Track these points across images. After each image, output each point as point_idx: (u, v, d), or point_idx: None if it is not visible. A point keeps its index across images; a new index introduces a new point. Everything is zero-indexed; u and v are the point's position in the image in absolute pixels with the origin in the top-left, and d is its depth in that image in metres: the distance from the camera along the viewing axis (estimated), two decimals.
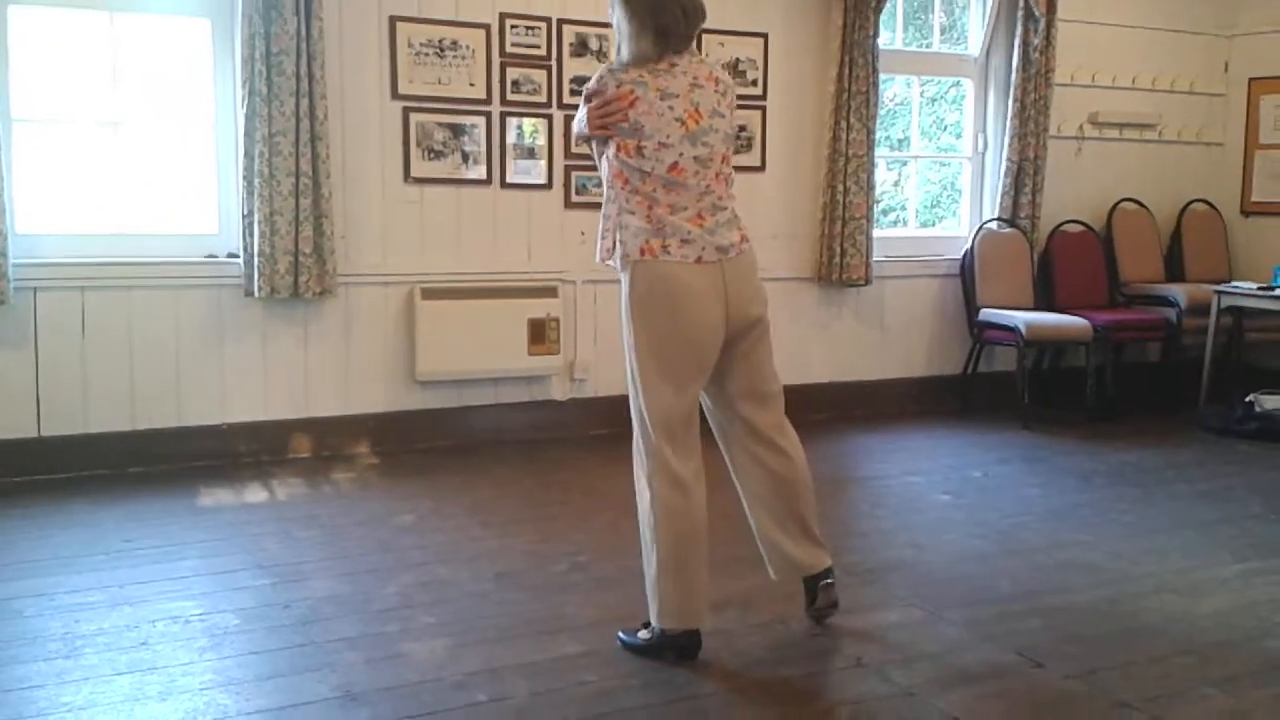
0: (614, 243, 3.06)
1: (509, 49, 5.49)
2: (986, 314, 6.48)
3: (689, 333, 3.01)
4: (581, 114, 3.11)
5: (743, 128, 5.98)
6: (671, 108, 2.98)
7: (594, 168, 5.78)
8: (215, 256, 5.15)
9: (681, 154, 3.00)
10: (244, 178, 4.97)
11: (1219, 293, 6.48)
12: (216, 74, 5.08)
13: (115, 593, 3.55)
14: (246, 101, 4.90)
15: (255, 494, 4.73)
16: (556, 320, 5.59)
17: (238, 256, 5.09)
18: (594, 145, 3.16)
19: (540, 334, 5.58)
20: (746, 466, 3.27)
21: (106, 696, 2.85)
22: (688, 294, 2.99)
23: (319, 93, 4.99)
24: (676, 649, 3.09)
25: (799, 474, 3.28)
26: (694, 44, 3.12)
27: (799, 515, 3.27)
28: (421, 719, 2.76)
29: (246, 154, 4.94)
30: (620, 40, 3.08)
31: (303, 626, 3.32)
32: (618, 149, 3.03)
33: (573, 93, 5.60)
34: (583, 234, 5.70)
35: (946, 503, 4.82)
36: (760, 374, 3.23)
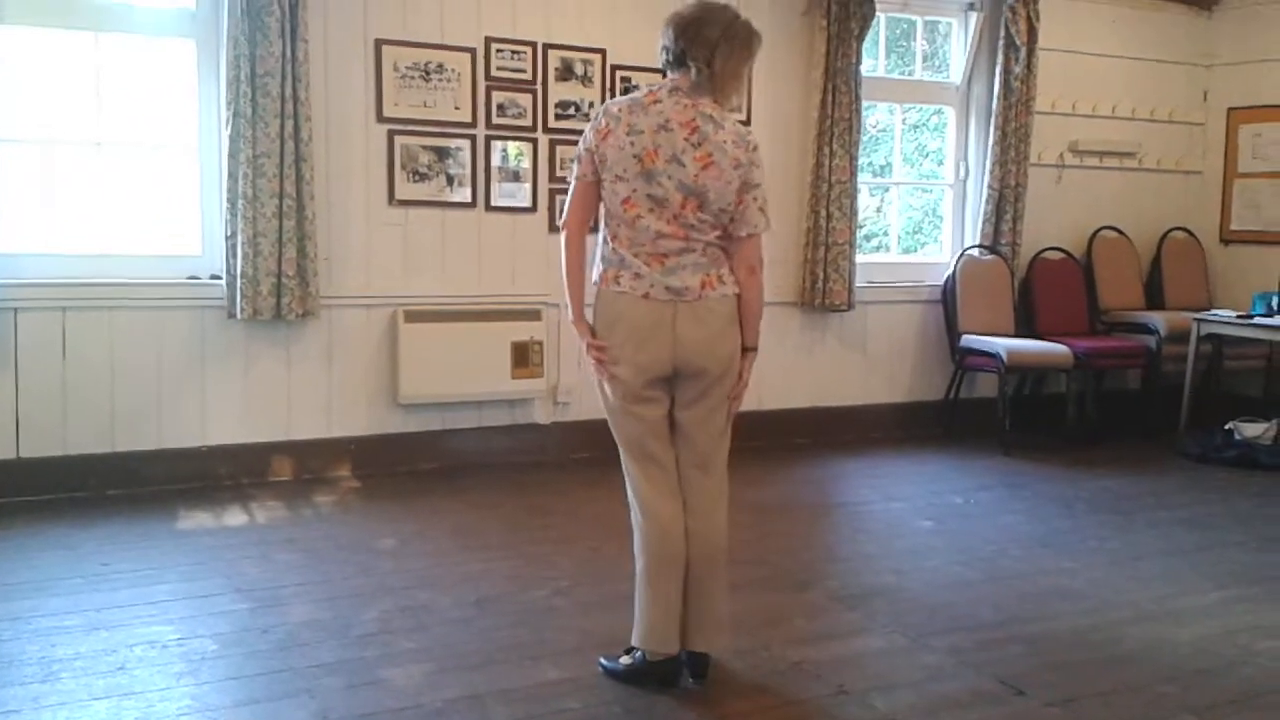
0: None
1: (494, 73, 5.51)
2: (968, 340, 6.51)
3: (635, 358, 3.00)
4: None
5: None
6: (633, 143, 2.94)
7: None
8: (198, 278, 5.13)
9: (634, 190, 2.95)
10: (227, 199, 4.96)
11: (1198, 320, 6.53)
12: (201, 95, 5.07)
13: (92, 616, 3.52)
14: (231, 123, 4.90)
15: (235, 517, 4.70)
16: (540, 344, 5.59)
17: (220, 278, 5.07)
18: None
19: (524, 357, 5.57)
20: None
21: None
22: (631, 324, 2.99)
23: (304, 114, 4.99)
24: (657, 675, 3.08)
25: (710, 539, 3.11)
26: (723, 88, 3.02)
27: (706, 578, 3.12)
28: None
29: (230, 175, 4.94)
30: None
31: (281, 652, 3.29)
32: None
33: (557, 116, 5.62)
34: None
35: (928, 529, 4.83)
36: (694, 435, 3.09)
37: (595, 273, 3.07)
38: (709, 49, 2.95)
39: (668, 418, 3.10)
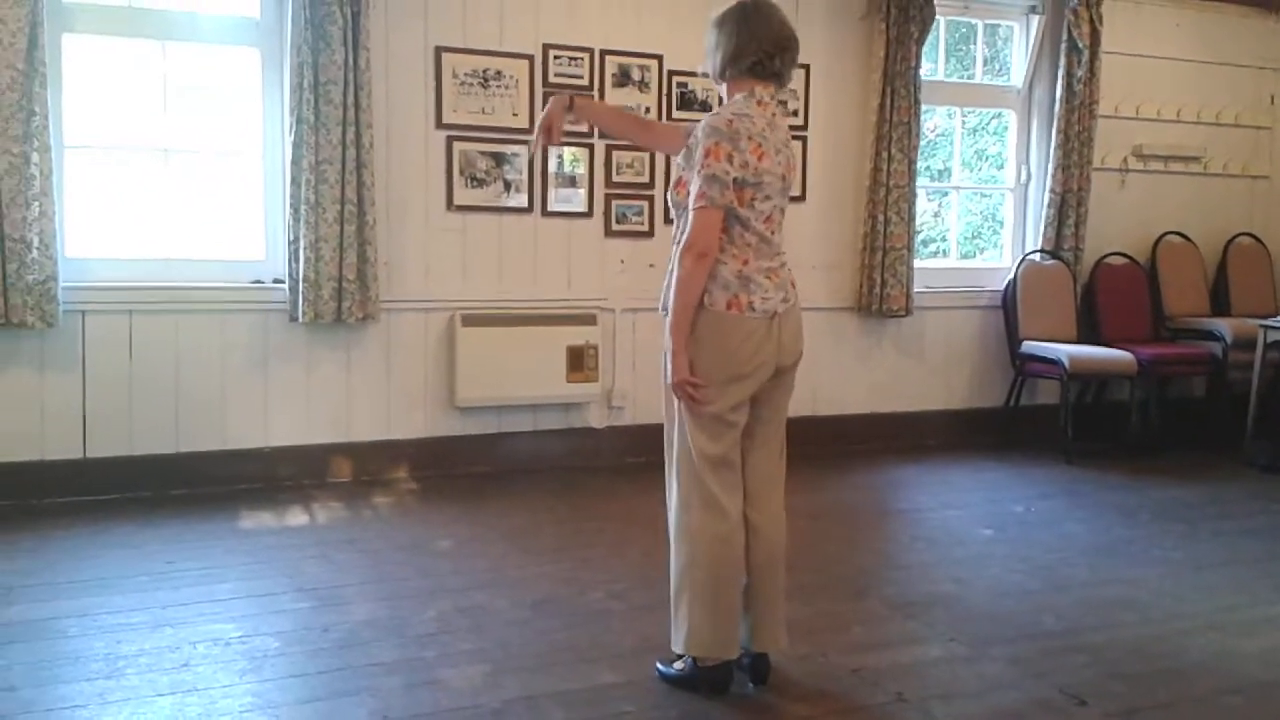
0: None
1: (552, 79, 5.54)
2: (1029, 346, 6.43)
3: (752, 370, 3.03)
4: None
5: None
6: (778, 162, 3.01)
7: (634, 196, 5.79)
8: (261, 282, 5.21)
9: (775, 206, 3.03)
10: (290, 205, 5.04)
11: (1265, 327, 6.39)
12: (265, 103, 5.16)
13: (157, 614, 3.58)
14: (294, 130, 4.97)
15: (296, 517, 4.76)
16: (595, 348, 5.61)
17: (283, 282, 5.15)
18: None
19: (579, 361, 5.59)
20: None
21: (147, 717, 2.87)
22: (756, 342, 3.00)
23: (365, 122, 5.06)
24: (709, 682, 3.07)
25: (778, 540, 3.15)
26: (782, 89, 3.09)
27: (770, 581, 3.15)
28: None
29: (293, 181, 5.01)
30: None
31: (341, 650, 3.33)
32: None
33: None
34: (622, 262, 5.73)
35: (988, 537, 4.77)
36: (774, 431, 3.18)
37: (708, 298, 2.95)
38: (793, 59, 3.03)
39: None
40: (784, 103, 3.07)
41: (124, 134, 5.12)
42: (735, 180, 2.90)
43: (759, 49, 2.96)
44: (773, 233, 3.01)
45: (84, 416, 4.90)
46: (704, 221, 2.89)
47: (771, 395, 3.11)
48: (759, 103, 2.98)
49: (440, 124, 5.38)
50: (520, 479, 5.46)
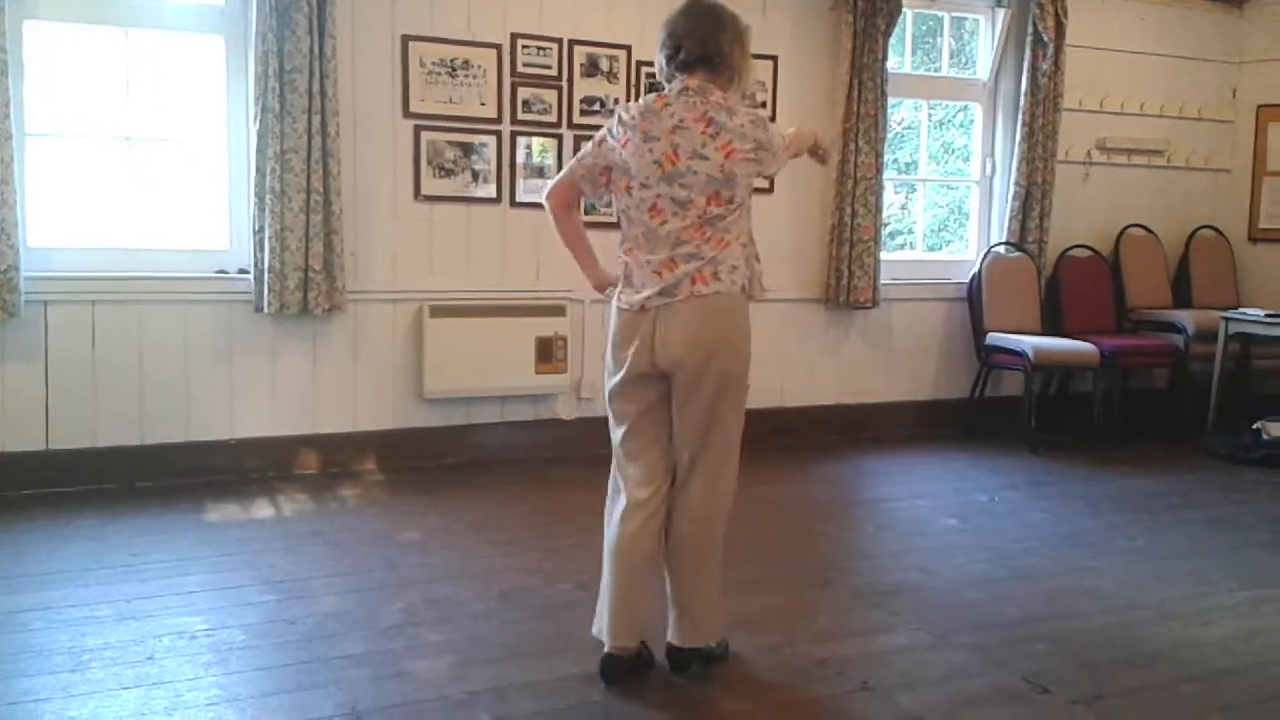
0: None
1: (520, 69, 5.52)
2: (994, 338, 6.48)
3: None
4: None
5: None
6: (651, 149, 2.99)
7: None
8: (225, 272, 5.17)
9: (659, 195, 2.99)
10: (255, 194, 5.00)
11: (1226, 319, 6.48)
12: (229, 91, 5.11)
13: (122, 607, 3.55)
14: (259, 118, 4.93)
15: (262, 510, 4.73)
16: (564, 339, 5.60)
17: (248, 272, 5.11)
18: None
19: (548, 353, 5.59)
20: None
21: (112, 711, 2.85)
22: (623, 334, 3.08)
23: (331, 110, 5.02)
24: (600, 669, 3.09)
25: (672, 535, 3.13)
26: (716, 74, 3.04)
27: (670, 573, 3.17)
28: None
29: (258, 170, 4.97)
30: None
31: (308, 643, 3.32)
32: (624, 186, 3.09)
33: (582, 112, 5.63)
34: None
35: (953, 527, 4.82)
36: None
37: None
38: (699, 42, 3.01)
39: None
40: (709, 91, 3.02)
41: (87, 122, 5.05)
42: (604, 166, 3.09)
43: (665, 46, 3.07)
44: (662, 223, 3.00)
45: (46, 408, 4.84)
46: (559, 175, 3.27)
47: (680, 406, 3.05)
48: (659, 96, 3.06)
49: (407, 113, 5.35)
50: (488, 470, 5.46)
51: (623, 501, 3.10)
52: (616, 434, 3.15)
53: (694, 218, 2.98)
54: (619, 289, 3.11)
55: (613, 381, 3.11)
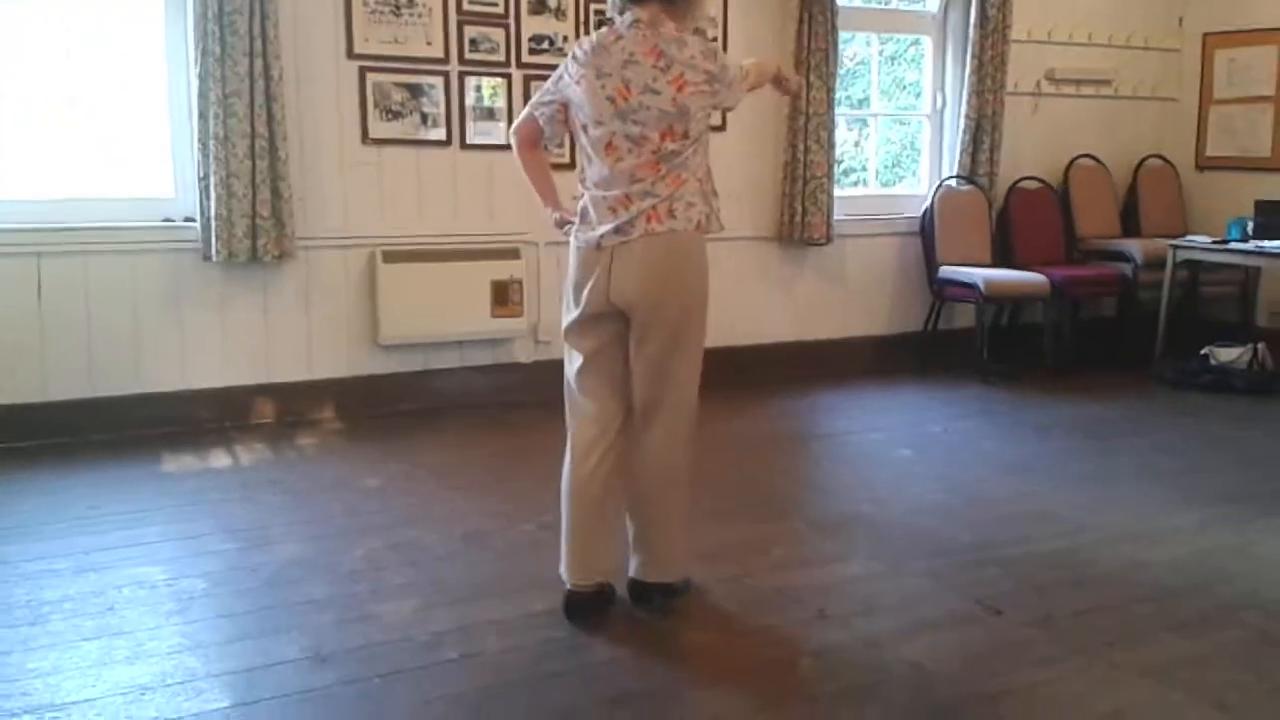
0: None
1: (466, 7, 5.43)
2: (946, 271, 6.53)
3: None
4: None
5: None
6: (603, 86, 2.97)
7: None
8: (172, 221, 5.09)
9: (614, 132, 2.98)
10: (199, 140, 4.91)
11: (1174, 247, 6.56)
12: (168, 34, 4.99)
13: (80, 559, 3.53)
14: (199, 62, 4.83)
15: (219, 459, 4.71)
16: (520, 282, 5.58)
17: (194, 220, 5.03)
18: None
19: (503, 296, 5.56)
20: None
21: (74, 662, 2.85)
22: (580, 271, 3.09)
23: (273, 53, 4.93)
24: (563, 607, 3.13)
25: (635, 471, 3.15)
26: (681, 10, 3.01)
27: (631, 510, 3.20)
28: (392, 677, 2.78)
29: (201, 116, 4.88)
30: None
31: (270, 589, 3.32)
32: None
33: (531, 51, 5.56)
34: None
35: (907, 458, 4.88)
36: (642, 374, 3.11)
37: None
38: None
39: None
40: (655, 26, 2.99)
41: (24, 70, 4.91)
42: (561, 103, 3.09)
43: None
44: (618, 160, 2.98)
45: None
46: (521, 114, 3.25)
47: (638, 345, 3.05)
48: (611, 30, 3.03)
49: (351, 54, 5.26)
50: (447, 416, 5.45)
51: (572, 437, 3.14)
52: (571, 369, 3.17)
53: (649, 154, 2.96)
54: (576, 226, 3.10)
55: (569, 318, 3.13)
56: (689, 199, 3.00)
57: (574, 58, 3.04)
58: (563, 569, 3.16)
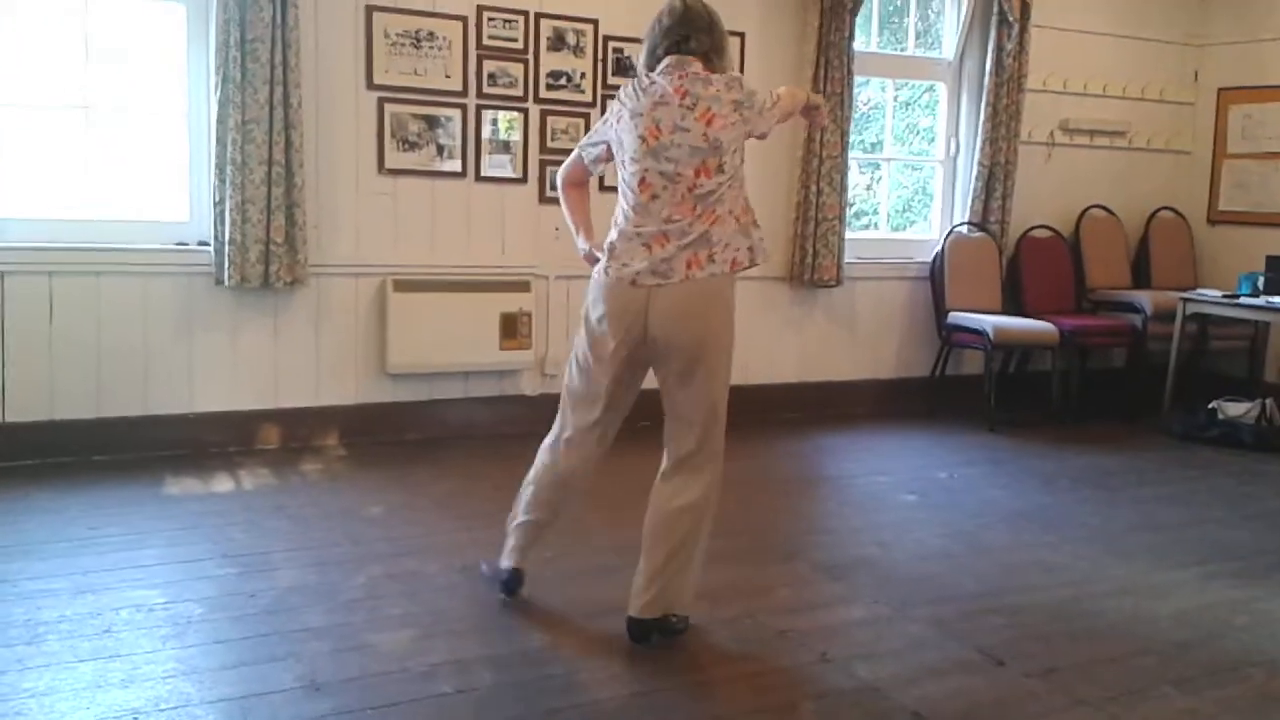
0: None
1: (486, 41, 5.48)
2: (955, 317, 6.53)
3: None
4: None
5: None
6: (636, 125, 3.12)
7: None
8: (185, 244, 5.11)
9: (646, 169, 3.10)
10: (216, 165, 4.94)
11: (1184, 300, 6.56)
12: (190, 59, 5.04)
13: (79, 580, 3.52)
14: (220, 88, 4.87)
15: (222, 484, 4.70)
16: (529, 315, 5.59)
17: (208, 244, 5.05)
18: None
19: (512, 328, 5.57)
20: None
21: (69, 683, 2.83)
22: (610, 308, 3.18)
23: (293, 81, 4.97)
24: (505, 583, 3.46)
25: (663, 517, 3.18)
26: (707, 55, 3.17)
27: (650, 551, 3.20)
28: (386, 709, 2.76)
29: (219, 141, 4.91)
30: None
31: (268, 616, 3.30)
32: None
33: (549, 86, 5.60)
34: (556, 229, 5.69)
35: (912, 503, 4.86)
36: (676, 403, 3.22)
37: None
38: (675, 34, 3.16)
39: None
40: (695, 73, 3.15)
41: (44, 90, 4.96)
42: (604, 143, 3.27)
43: (649, 44, 3.25)
44: (653, 197, 3.08)
45: (3, 381, 4.78)
46: (571, 155, 3.45)
47: (665, 380, 3.18)
48: (647, 74, 3.20)
49: (371, 85, 5.30)
50: (452, 446, 5.44)
51: (565, 434, 3.33)
52: (577, 382, 3.29)
53: (683, 192, 3.07)
54: (604, 261, 3.19)
55: (590, 343, 3.22)
56: (726, 239, 3.10)
57: (617, 99, 3.22)
58: (507, 552, 3.45)
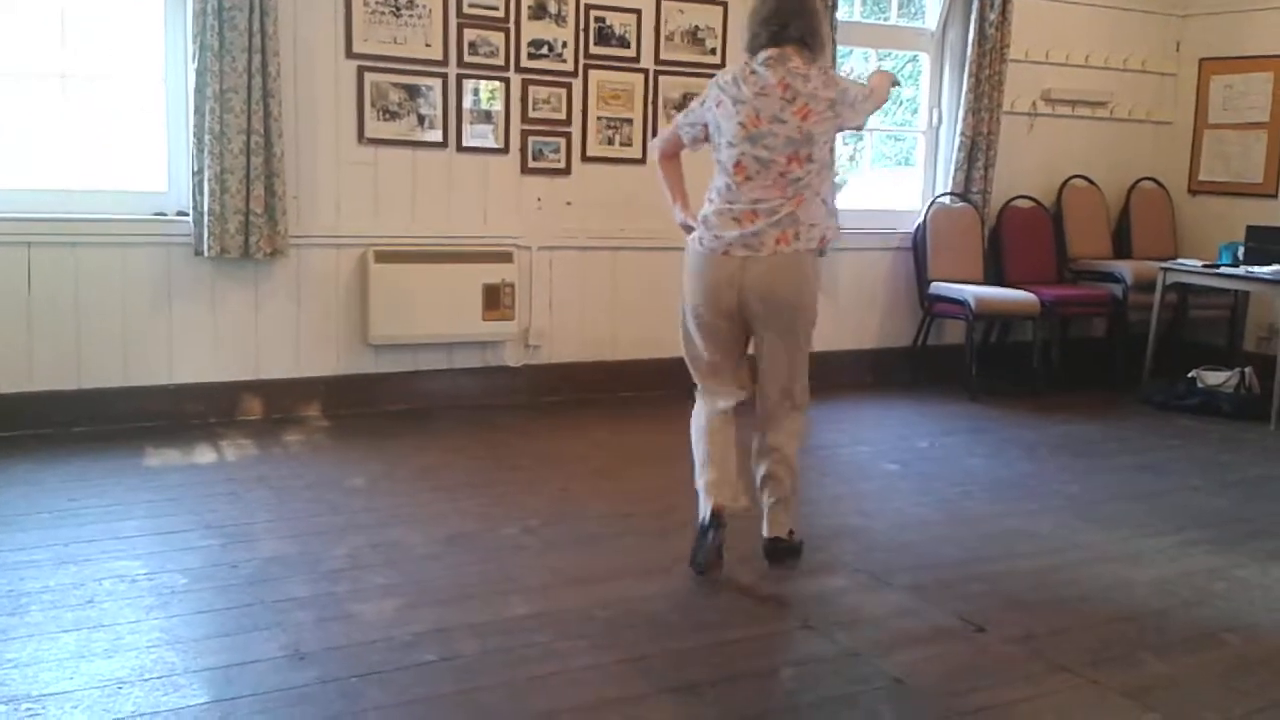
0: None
1: (466, 10, 5.43)
2: (937, 287, 6.54)
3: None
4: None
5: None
6: (738, 111, 3.38)
7: (551, 133, 5.81)
8: (164, 214, 5.07)
9: (743, 153, 3.37)
10: (194, 135, 4.90)
11: (1164, 270, 6.58)
12: (167, 28, 4.98)
13: (60, 551, 3.51)
14: (197, 57, 4.82)
15: (204, 455, 4.68)
16: (511, 286, 5.57)
17: (187, 215, 5.02)
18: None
19: (495, 299, 5.56)
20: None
21: (52, 653, 2.83)
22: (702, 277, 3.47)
23: (272, 49, 4.92)
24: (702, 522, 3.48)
25: (768, 459, 3.60)
26: (802, 46, 3.41)
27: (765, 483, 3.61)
28: (370, 678, 2.77)
29: (197, 110, 4.87)
30: None
31: (251, 586, 3.31)
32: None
33: (530, 56, 5.56)
34: (539, 199, 5.68)
35: (894, 472, 4.89)
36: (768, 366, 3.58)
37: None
38: (774, 23, 3.41)
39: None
40: (792, 62, 3.45)
41: (19, 59, 4.90)
42: (703, 124, 3.53)
43: (750, 30, 3.50)
44: (746, 178, 3.37)
45: None
46: (668, 128, 3.77)
47: (762, 338, 3.50)
48: (747, 64, 3.45)
49: (350, 53, 5.26)
50: (435, 417, 5.44)
51: (714, 406, 3.58)
52: (697, 349, 3.56)
53: (774, 176, 3.35)
54: (699, 231, 3.46)
55: (695, 311, 3.50)
56: (812, 220, 3.38)
57: (717, 84, 3.49)
58: (705, 489, 3.47)
